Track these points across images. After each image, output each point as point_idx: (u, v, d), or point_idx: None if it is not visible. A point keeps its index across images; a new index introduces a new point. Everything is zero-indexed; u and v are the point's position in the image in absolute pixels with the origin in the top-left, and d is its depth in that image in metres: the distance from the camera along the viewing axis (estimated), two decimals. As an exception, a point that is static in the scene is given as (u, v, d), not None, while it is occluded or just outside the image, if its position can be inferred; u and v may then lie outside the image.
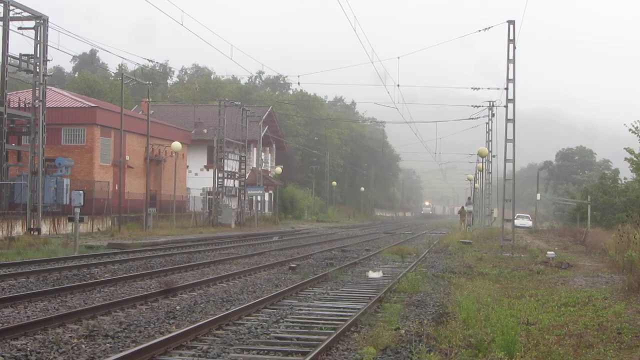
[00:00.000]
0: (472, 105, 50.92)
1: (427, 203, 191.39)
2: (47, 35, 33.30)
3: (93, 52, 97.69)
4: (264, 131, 64.39)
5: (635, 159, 38.18)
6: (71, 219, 27.17)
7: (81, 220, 27.36)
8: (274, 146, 75.69)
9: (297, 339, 10.54)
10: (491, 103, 55.41)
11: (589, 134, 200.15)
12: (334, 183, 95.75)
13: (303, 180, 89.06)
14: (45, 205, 34.57)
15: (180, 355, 9.40)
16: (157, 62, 43.64)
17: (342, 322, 11.54)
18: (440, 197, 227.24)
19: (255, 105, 71.97)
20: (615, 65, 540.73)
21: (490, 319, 11.54)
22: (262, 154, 65.74)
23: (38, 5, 34.60)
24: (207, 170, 61.83)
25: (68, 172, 38.94)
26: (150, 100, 47.04)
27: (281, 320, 12.05)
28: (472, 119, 51.22)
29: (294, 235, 46.99)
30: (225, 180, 53.64)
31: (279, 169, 69.17)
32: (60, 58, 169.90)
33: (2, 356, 8.96)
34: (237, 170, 55.89)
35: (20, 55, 33.44)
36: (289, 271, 20.67)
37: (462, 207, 57.57)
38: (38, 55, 33.21)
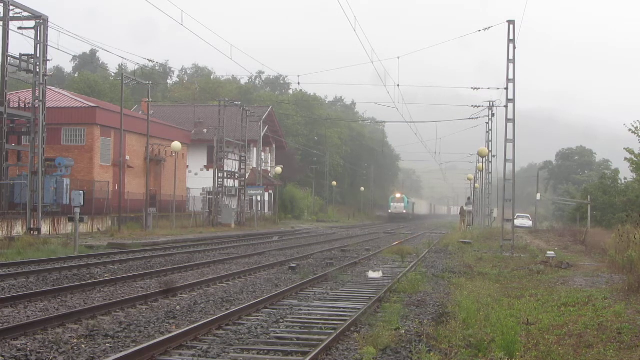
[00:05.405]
0: (472, 105, 50.91)
1: (398, 195, 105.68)
2: (47, 35, 33.29)
3: (93, 52, 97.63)
4: (264, 131, 64.41)
5: (635, 159, 38.19)
6: (71, 219, 27.18)
7: (81, 220, 27.38)
8: (274, 146, 75.69)
9: (297, 339, 10.54)
10: (491, 103, 55.39)
11: (588, 134, 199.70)
12: (334, 183, 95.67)
13: (303, 180, 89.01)
14: (45, 205, 34.55)
15: (180, 355, 9.40)
16: (157, 62, 43.77)
17: (342, 322, 11.54)
18: (440, 196, 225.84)
19: (255, 105, 71.96)
20: (615, 65, 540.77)
21: (490, 319, 11.54)
22: (262, 154, 65.75)
23: (38, 5, 34.60)
24: (207, 170, 61.83)
25: (68, 172, 38.92)
26: (150, 100, 47.03)
27: (281, 320, 12.05)
28: (472, 119, 51.21)
29: (294, 235, 46.99)
30: (225, 180, 53.65)
31: (279, 169, 69.18)
32: (60, 58, 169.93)
33: (2, 356, 8.96)
34: (237, 170, 55.91)
35: (20, 55, 33.42)
36: (289, 271, 20.67)
37: (462, 207, 57.64)
38: (38, 55, 33.19)
